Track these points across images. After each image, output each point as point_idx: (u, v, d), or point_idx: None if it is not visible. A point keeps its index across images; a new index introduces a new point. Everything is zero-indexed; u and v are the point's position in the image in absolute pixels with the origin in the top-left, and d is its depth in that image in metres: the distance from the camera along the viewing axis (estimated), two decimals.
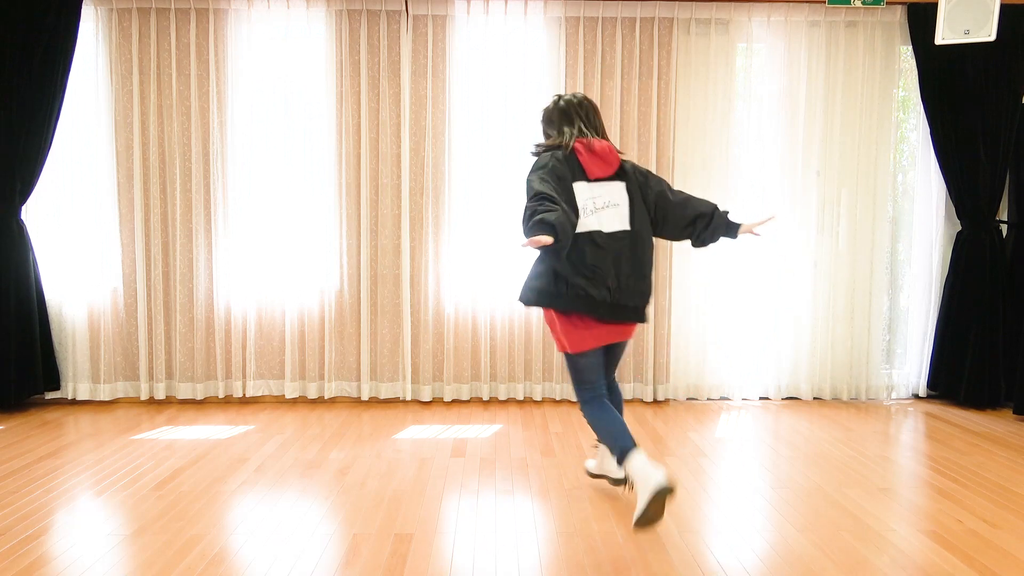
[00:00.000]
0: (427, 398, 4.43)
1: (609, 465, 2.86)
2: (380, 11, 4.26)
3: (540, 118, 2.76)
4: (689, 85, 4.38)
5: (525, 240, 2.26)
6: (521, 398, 4.47)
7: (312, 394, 4.44)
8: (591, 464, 3.03)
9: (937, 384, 4.53)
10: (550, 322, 2.57)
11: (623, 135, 4.36)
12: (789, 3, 4.34)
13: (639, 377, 4.49)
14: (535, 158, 2.60)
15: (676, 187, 4.42)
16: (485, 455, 3.41)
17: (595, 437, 3.00)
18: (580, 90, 4.31)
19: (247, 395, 4.43)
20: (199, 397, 4.40)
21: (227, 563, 2.32)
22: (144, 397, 4.38)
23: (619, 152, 2.63)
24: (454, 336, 4.42)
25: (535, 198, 2.36)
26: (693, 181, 4.42)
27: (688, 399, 4.56)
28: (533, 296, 2.51)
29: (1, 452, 3.43)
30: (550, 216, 2.25)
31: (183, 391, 4.39)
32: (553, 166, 2.48)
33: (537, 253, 2.55)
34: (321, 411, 4.26)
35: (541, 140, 2.74)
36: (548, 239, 2.23)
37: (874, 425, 4.02)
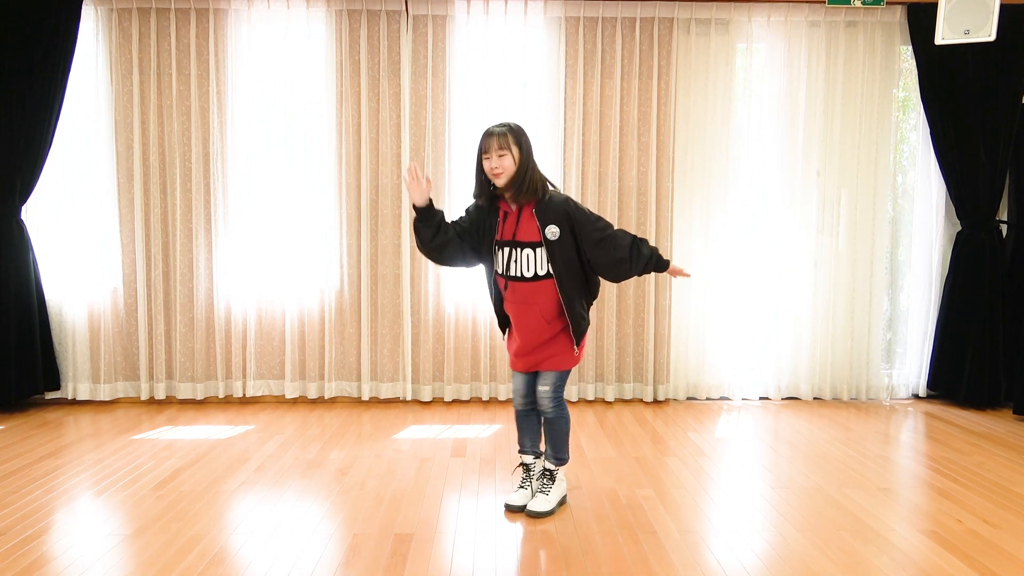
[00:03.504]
0: (427, 398, 4.43)
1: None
2: (380, 11, 4.26)
3: (526, 144, 2.54)
4: (689, 85, 4.38)
5: (666, 270, 2.61)
6: None
7: (312, 394, 4.43)
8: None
9: (937, 384, 4.53)
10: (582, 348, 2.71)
11: (623, 135, 4.36)
12: (789, 3, 4.34)
13: (639, 377, 4.48)
14: (572, 200, 2.61)
15: (676, 187, 4.43)
16: (485, 455, 3.40)
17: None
18: (580, 90, 4.30)
19: (247, 395, 4.43)
20: (199, 397, 4.40)
21: (227, 563, 2.32)
22: (144, 397, 4.38)
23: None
24: (454, 336, 4.42)
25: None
26: (693, 181, 4.42)
27: (688, 399, 4.56)
28: (585, 327, 2.66)
29: (1, 452, 3.43)
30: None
31: (183, 391, 4.39)
32: None
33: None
34: (321, 411, 4.26)
35: (543, 174, 2.63)
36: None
37: (874, 425, 4.02)
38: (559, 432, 2.73)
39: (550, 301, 2.56)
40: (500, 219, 2.57)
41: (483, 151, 2.50)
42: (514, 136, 2.49)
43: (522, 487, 2.81)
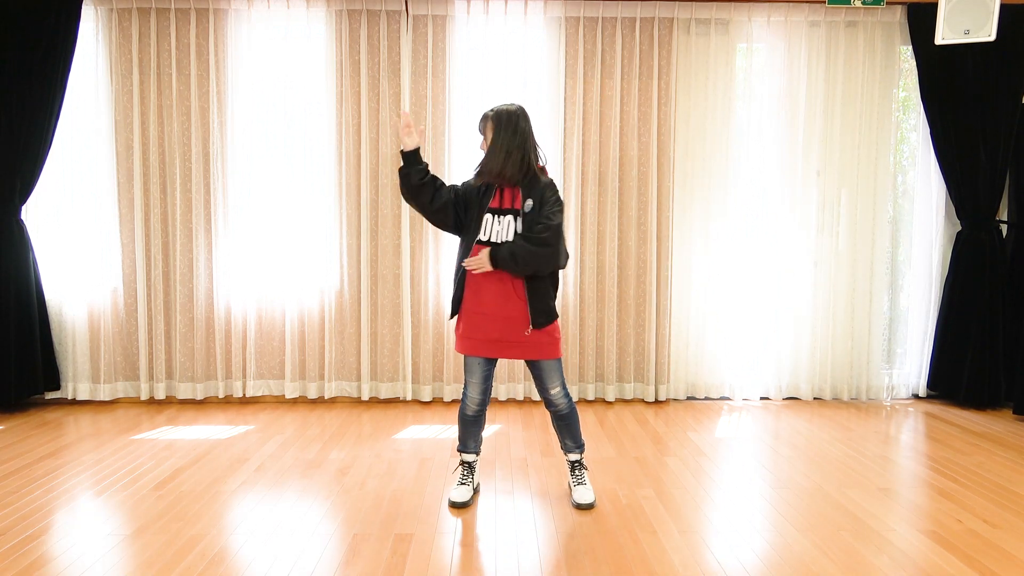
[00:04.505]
0: (427, 398, 4.43)
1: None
2: (380, 11, 4.26)
3: (525, 127, 2.66)
4: (689, 85, 4.38)
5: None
6: (521, 398, 4.47)
7: (312, 394, 4.43)
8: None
9: (937, 384, 4.53)
10: (557, 330, 2.74)
11: (623, 135, 4.36)
12: (789, 3, 4.34)
13: (639, 377, 4.49)
14: (554, 187, 2.70)
15: (677, 187, 4.43)
16: (485, 455, 3.40)
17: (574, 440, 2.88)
18: (580, 90, 4.30)
19: (247, 395, 4.43)
20: (199, 397, 4.40)
21: (227, 563, 2.32)
22: (144, 397, 4.38)
23: None
24: (454, 336, 4.41)
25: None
26: (693, 181, 4.42)
27: (688, 399, 4.56)
28: (555, 313, 2.73)
29: (1, 452, 3.43)
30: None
31: (183, 391, 4.39)
32: None
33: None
34: (321, 411, 4.26)
35: (540, 155, 2.74)
36: None
37: (874, 425, 4.02)
38: (575, 422, 2.83)
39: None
40: (497, 189, 2.69)
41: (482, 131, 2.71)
42: (489, 121, 2.66)
43: (463, 484, 2.87)
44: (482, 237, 2.65)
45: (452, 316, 2.79)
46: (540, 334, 2.67)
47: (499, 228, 2.63)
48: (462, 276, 2.70)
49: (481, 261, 2.60)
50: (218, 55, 4.26)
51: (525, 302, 2.65)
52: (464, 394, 2.81)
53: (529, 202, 2.62)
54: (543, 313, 2.66)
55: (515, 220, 2.62)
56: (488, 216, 2.65)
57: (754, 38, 4.40)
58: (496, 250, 2.58)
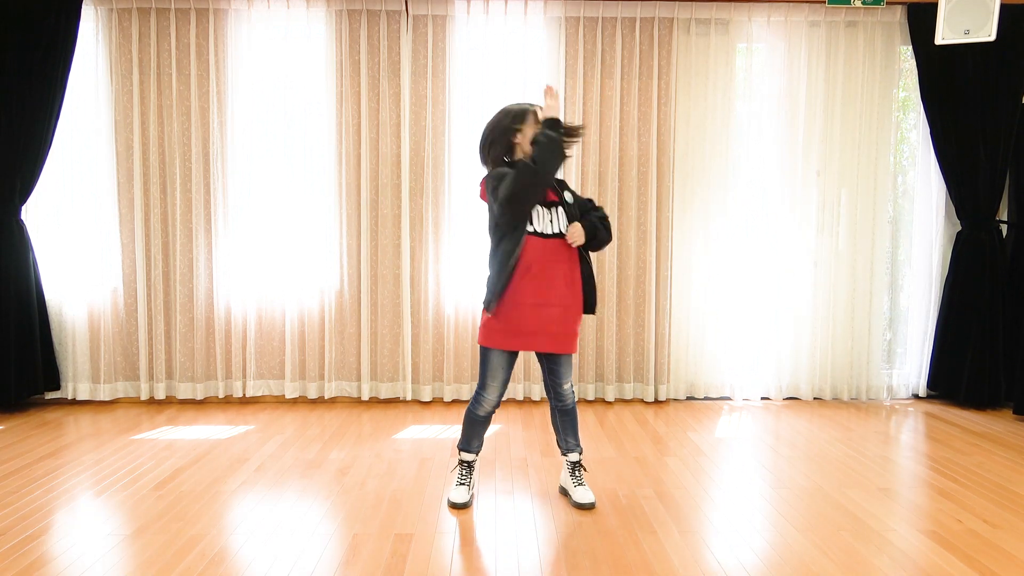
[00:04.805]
0: (427, 398, 4.43)
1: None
2: (380, 11, 4.26)
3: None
4: (689, 85, 4.38)
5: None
6: (521, 398, 4.47)
7: (312, 394, 4.44)
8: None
9: (937, 384, 4.53)
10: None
11: (623, 135, 4.36)
12: (789, 3, 4.34)
13: (639, 377, 4.49)
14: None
15: (677, 187, 4.43)
16: (485, 455, 3.40)
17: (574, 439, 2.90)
18: (580, 90, 4.31)
19: (247, 395, 4.43)
20: (199, 397, 4.40)
21: (227, 563, 2.32)
22: (144, 397, 4.38)
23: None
24: (454, 336, 4.42)
25: None
26: (693, 181, 4.42)
27: (688, 399, 4.56)
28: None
29: (1, 452, 3.43)
30: None
31: (183, 391, 4.39)
32: None
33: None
34: (321, 411, 4.26)
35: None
36: None
37: (874, 425, 4.02)
38: (577, 418, 2.88)
39: (575, 258, 2.73)
40: None
41: (523, 123, 2.67)
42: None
43: (462, 484, 2.86)
44: (537, 228, 2.65)
45: (491, 308, 2.67)
46: (576, 325, 2.73)
47: (549, 219, 2.67)
48: (512, 267, 2.60)
49: (578, 234, 2.66)
50: (218, 55, 4.26)
51: (581, 289, 2.73)
52: (480, 395, 2.76)
53: (568, 194, 2.76)
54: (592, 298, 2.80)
55: (562, 211, 2.71)
56: (539, 208, 2.66)
57: (754, 38, 4.40)
58: (588, 223, 2.70)
